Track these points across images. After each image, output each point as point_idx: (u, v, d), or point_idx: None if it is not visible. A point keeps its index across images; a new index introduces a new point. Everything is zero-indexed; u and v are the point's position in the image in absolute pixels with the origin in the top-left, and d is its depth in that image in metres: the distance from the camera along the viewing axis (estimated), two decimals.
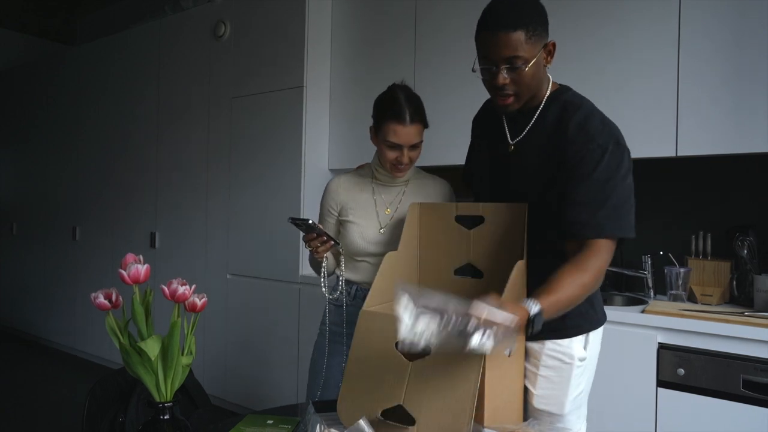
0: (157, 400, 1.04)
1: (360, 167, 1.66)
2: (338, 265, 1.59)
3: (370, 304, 1.16)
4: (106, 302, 1.01)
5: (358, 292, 1.57)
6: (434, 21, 2.59)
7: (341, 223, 1.58)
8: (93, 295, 1.01)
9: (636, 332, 1.84)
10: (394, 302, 0.88)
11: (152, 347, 0.99)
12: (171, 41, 3.49)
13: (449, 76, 2.53)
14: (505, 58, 1.11)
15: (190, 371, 1.21)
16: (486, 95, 1.46)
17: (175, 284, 1.05)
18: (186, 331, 1.06)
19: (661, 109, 2.02)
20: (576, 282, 1.07)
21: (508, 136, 1.28)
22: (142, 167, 3.68)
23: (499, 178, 1.31)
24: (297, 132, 2.80)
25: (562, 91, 1.25)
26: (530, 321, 0.96)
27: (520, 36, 1.09)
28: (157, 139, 3.57)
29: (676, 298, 2.08)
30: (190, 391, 1.48)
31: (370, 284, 1.53)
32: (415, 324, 0.85)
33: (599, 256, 1.10)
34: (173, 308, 1.04)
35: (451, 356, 0.96)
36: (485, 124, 1.41)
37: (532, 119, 1.24)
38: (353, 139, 2.83)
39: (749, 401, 1.66)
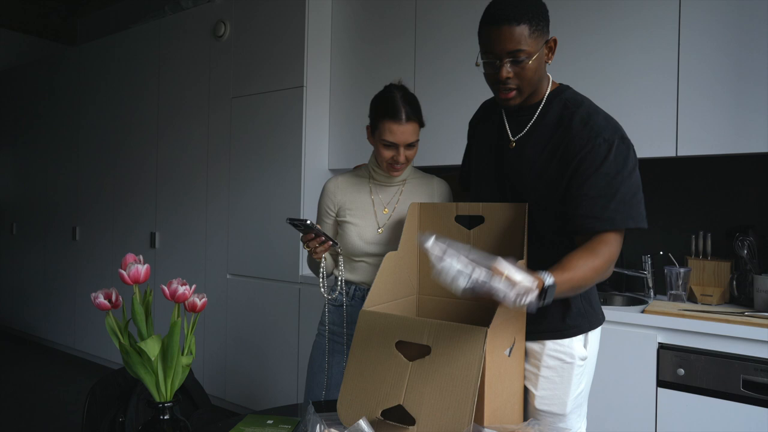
0: (157, 400, 1.04)
1: (357, 168, 1.66)
2: (336, 265, 1.59)
3: (370, 303, 1.16)
4: (106, 302, 1.01)
5: (357, 292, 1.57)
6: (434, 21, 2.59)
7: (339, 224, 1.58)
8: (93, 295, 1.01)
9: (636, 332, 1.84)
10: (420, 243, 0.91)
11: (152, 347, 0.99)
12: (171, 41, 3.49)
13: (449, 76, 2.53)
14: (509, 52, 1.12)
15: (190, 371, 1.21)
16: (484, 96, 1.47)
17: (175, 284, 1.05)
18: (186, 331, 1.06)
19: (661, 109, 2.02)
20: (588, 264, 1.08)
21: (509, 132, 1.28)
22: (142, 167, 3.68)
23: (499, 176, 1.31)
24: (297, 132, 2.80)
25: (562, 89, 1.26)
26: (544, 291, 0.96)
27: (524, 30, 1.11)
28: (157, 139, 3.57)
29: (676, 298, 2.08)
30: (190, 391, 1.48)
31: (368, 284, 1.54)
32: (443, 258, 0.87)
33: (610, 245, 1.12)
34: (173, 308, 1.04)
35: (452, 356, 0.96)
36: (483, 125, 1.41)
37: (533, 115, 1.24)
38: (353, 139, 2.83)
39: (749, 401, 1.66)
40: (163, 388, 1.04)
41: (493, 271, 0.87)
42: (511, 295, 0.87)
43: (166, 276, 3.33)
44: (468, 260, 0.87)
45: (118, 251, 3.84)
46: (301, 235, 1.43)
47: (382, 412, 0.99)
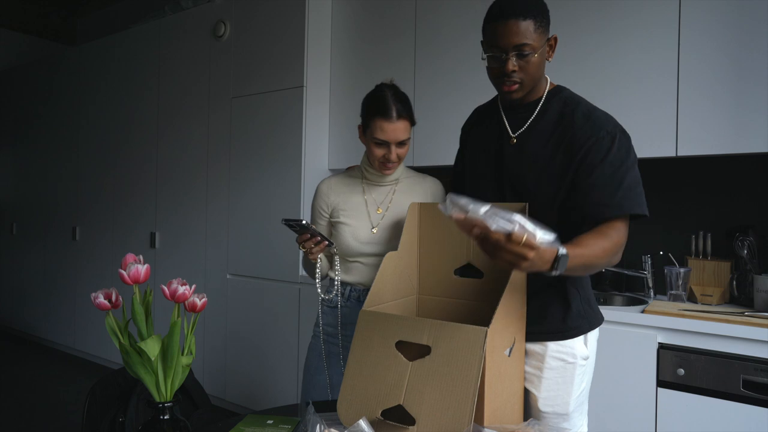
0: (157, 400, 1.04)
1: (350, 168, 1.67)
2: (332, 266, 1.58)
3: (370, 303, 1.16)
4: (106, 302, 1.01)
5: (352, 293, 1.56)
6: (434, 21, 2.59)
7: (333, 225, 1.58)
8: (93, 295, 1.01)
9: (636, 332, 1.84)
10: (443, 204, 0.97)
11: (152, 347, 0.99)
12: (171, 41, 3.49)
13: (449, 76, 2.53)
14: (515, 46, 1.16)
15: (190, 371, 1.21)
16: (484, 97, 1.47)
17: (175, 284, 1.05)
18: (186, 331, 1.06)
19: (661, 109, 2.02)
20: (599, 245, 1.11)
21: (509, 129, 1.30)
22: (142, 167, 3.68)
23: (498, 175, 1.31)
24: (297, 132, 2.80)
25: (560, 89, 1.30)
26: (557, 259, 0.98)
27: (529, 25, 1.15)
28: (157, 139, 3.57)
29: (676, 298, 2.08)
30: (190, 391, 1.48)
31: (363, 285, 1.54)
32: (468, 201, 0.93)
33: (619, 231, 1.16)
34: (173, 308, 1.04)
35: (452, 356, 0.96)
36: (477, 129, 1.43)
37: (533, 112, 1.28)
38: (353, 139, 2.83)
39: (749, 401, 1.66)
40: (163, 388, 1.03)
41: (517, 216, 0.92)
42: (531, 229, 0.91)
43: (166, 276, 3.33)
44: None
45: (118, 251, 3.84)
46: (296, 236, 1.43)
47: (382, 412, 0.99)
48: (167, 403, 1.04)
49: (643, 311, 1.88)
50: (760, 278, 1.89)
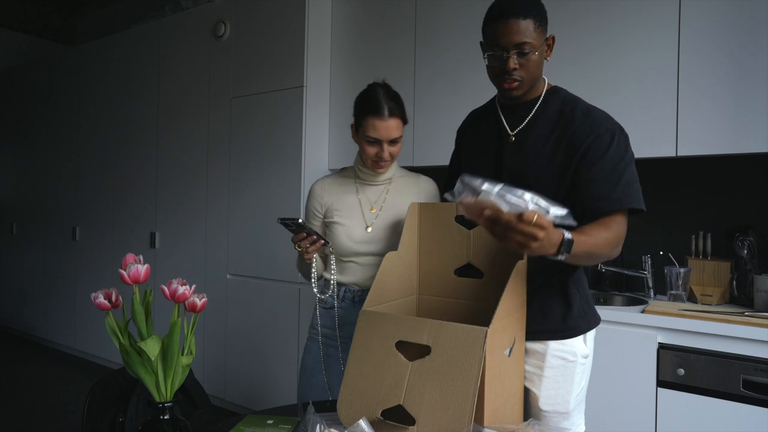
0: (157, 400, 1.04)
1: (343, 169, 1.67)
2: (326, 267, 1.58)
3: (370, 303, 1.16)
4: (106, 302, 1.01)
5: (347, 294, 1.56)
6: (434, 21, 2.59)
7: (327, 225, 1.58)
8: (93, 295, 1.01)
9: (636, 332, 1.84)
10: (450, 192, 0.98)
11: (152, 347, 0.99)
12: (171, 41, 3.49)
13: (449, 76, 2.53)
14: (516, 44, 1.19)
15: (190, 371, 1.21)
16: (484, 97, 1.47)
17: (175, 284, 1.05)
18: (186, 331, 1.06)
19: (661, 109, 2.02)
20: (601, 234, 1.14)
21: (507, 128, 1.31)
22: (142, 167, 3.68)
23: (497, 173, 1.32)
24: (297, 132, 2.80)
25: (557, 89, 1.32)
26: (562, 243, 1.00)
27: (529, 24, 1.18)
28: (157, 139, 3.57)
29: (676, 298, 2.08)
30: (190, 391, 1.48)
31: (358, 285, 1.54)
32: (482, 181, 0.94)
33: (619, 224, 1.19)
34: (173, 308, 1.04)
35: (452, 356, 0.96)
36: (473, 130, 1.45)
37: (531, 110, 1.30)
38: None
39: (749, 401, 1.66)
40: (163, 388, 1.03)
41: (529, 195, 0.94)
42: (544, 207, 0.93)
43: (166, 276, 3.33)
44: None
45: (118, 251, 3.84)
46: (292, 235, 1.44)
47: (382, 412, 0.99)
48: (167, 403, 1.04)
49: (643, 311, 1.88)
50: (760, 278, 1.89)
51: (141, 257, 1.06)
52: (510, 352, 1.12)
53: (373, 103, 1.44)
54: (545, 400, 1.27)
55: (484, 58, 1.26)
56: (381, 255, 1.51)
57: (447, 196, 0.99)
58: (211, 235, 3.21)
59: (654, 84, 2.03)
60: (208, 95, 3.25)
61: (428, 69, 2.60)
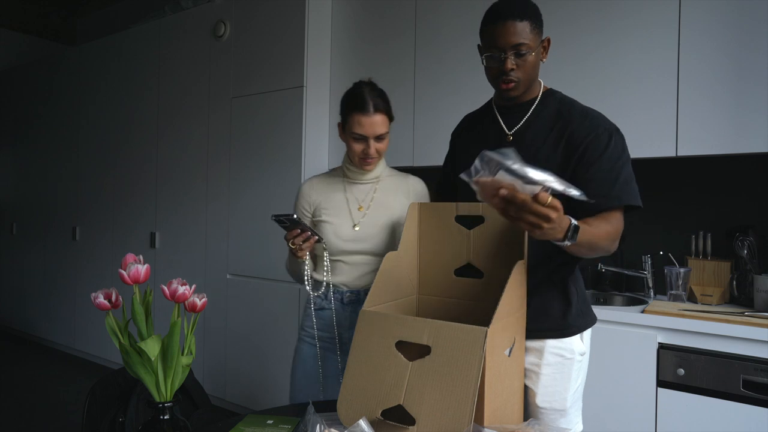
0: (157, 400, 1.04)
1: (332, 169, 1.67)
2: (317, 267, 1.58)
3: (370, 303, 1.16)
4: (106, 302, 1.00)
5: (335, 295, 1.56)
6: (434, 21, 2.59)
7: (315, 225, 1.58)
8: (93, 295, 1.01)
9: (636, 332, 1.84)
10: (467, 171, 0.97)
11: (152, 347, 0.99)
12: (171, 41, 3.49)
13: (449, 76, 2.53)
14: (513, 45, 1.21)
15: (190, 371, 1.21)
16: (483, 97, 1.47)
17: (175, 284, 1.05)
18: (186, 331, 1.06)
19: (661, 109, 2.02)
20: (602, 227, 1.16)
21: (505, 128, 1.33)
22: (142, 167, 3.68)
23: None
24: (297, 132, 2.80)
25: (553, 91, 1.35)
26: (570, 227, 1.02)
27: (526, 26, 1.21)
28: (157, 139, 3.57)
29: (676, 298, 2.08)
30: (190, 391, 1.48)
31: (346, 286, 1.54)
32: (501, 156, 0.94)
33: (618, 220, 1.22)
34: (173, 308, 1.04)
35: (452, 356, 0.96)
36: (468, 133, 1.47)
37: (528, 111, 1.32)
38: None
39: (749, 401, 1.66)
40: (163, 388, 1.03)
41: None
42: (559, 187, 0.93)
43: (166, 276, 3.33)
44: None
45: (118, 251, 3.84)
46: (285, 233, 1.43)
47: (382, 412, 0.99)
48: (167, 403, 1.04)
49: (643, 311, 1.88)
50: (760, 278, 1.89)
51: (141, 257, 1.06)
52: (510, 351, 1.12)
53: (359, 99, 1.45)
54: (542, 397, 1.29)
55: (482, 60, 1.28)
56: (369, 254, 1.51)
57: (463, 176, 0.98)
58: (211, 235, 3.21)
59: (654, 84, 2.03)
60: (208, 95, 3.25)
61: (428, 69, 2.60)
